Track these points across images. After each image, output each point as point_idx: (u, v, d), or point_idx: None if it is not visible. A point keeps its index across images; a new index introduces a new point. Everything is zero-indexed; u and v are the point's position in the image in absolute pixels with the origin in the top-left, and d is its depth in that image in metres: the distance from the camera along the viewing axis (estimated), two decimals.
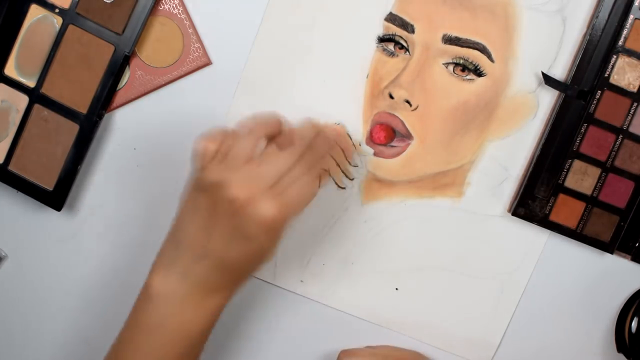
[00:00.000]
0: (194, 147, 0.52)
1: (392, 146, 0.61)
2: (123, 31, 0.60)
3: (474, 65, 0.59)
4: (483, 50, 0.58)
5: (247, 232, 0.50)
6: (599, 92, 0.58)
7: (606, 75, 0.58)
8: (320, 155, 0.53)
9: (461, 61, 0.59)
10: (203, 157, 0.52)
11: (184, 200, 0.53)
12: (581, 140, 0.59)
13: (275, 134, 0.53)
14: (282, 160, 0.51)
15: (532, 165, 0.60)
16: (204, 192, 0.51)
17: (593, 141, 0.59)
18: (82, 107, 0.61)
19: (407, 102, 0.59)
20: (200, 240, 0.51)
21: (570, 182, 0.60)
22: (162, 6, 0.61)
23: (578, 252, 0.62)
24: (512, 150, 0.61)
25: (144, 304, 0.53)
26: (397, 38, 0.60)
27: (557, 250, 0.62)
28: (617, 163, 0.59)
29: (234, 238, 0.50)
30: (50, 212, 0.63)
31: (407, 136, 0.60)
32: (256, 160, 0.51)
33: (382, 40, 0.60)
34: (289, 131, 0.53)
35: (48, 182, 0.62)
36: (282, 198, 0.50)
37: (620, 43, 0.58)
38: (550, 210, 0.60)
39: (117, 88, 0.62)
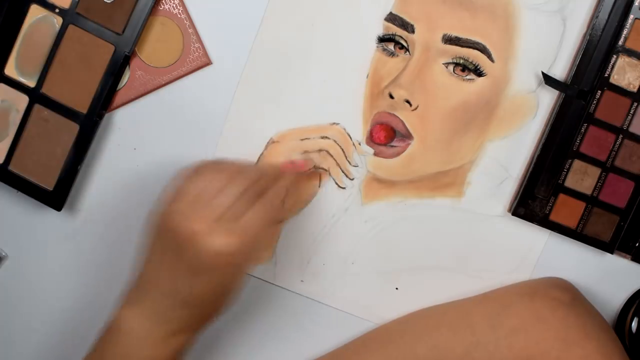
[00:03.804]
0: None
1: (392, 146, 0.61)
2: (123, 31, 0.60)
3: (474, 65, 0.59)
4: (483, 50, 0.58)
5: (202, 266, 0.50)
6: (599, 92, 0.58)
7: (606, 75, 0.58)
8: (269, 185, 0.54)
9: (461, 61, 0.59)
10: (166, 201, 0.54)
11: (148, 239, 0.54)
12: (581, 140, 0.59)
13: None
14: (227, 191, 0.52)
15: (532, 165, 0.60)
16: (159, 230, 0.53)
17: (593, 141, 0.59)
18: (82, 107, 0.61)
19: (407, 102, 0.59)
20: (160, 279, 0.52)
21: (570, 182, 0.60)
22: (162, 6, 0.61)
23: (578, 252, 0.62)
24: (512, 150, 0.61)
25: (110, 336, 0.54)
26: (397, 38, 0.60)
27: (557, 250, 0.62)
28: (617, 163, 0.59)
29: (191, 274, 0.51)
30: (50, 212, 0.63)
31: (407, 136, 0.60)
32: (206, 196, 0.52)
33: (382, 40, 0.60)
34: (236, 167, 0.54)
35: (48, 182, 0.62)
36: (234, 229, 0.51)
37: (620, 43, 0.58)
38: (550, 210, 0.60)
39: (117, 88, 0.62)
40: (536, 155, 0.60)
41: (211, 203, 0.51)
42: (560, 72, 0.60)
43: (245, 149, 0.62)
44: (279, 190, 0.55)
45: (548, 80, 0.59)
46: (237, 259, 0.51)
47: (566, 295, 0.58)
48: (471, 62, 0.59)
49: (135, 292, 0.54)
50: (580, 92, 0.58)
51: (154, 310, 0.52)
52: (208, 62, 0.62)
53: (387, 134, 0.60)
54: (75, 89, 0.61)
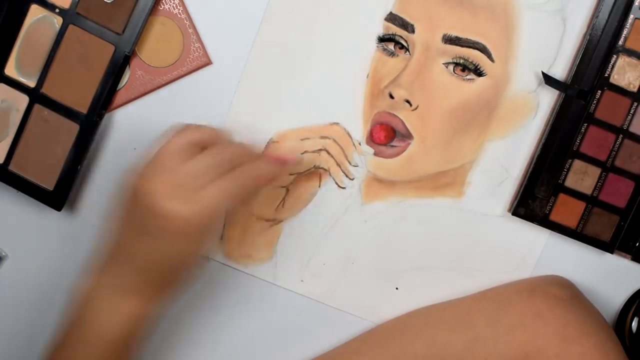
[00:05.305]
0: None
1: (392, 146, 0.61)
2: (123, 31, 0.60)
3: (474, 65, 0.59)
4: (483, 50, 0.58)
5: (150, 226, 0.50)
6: (599, 91, 0.58)
7: (606, 75, 0.58)
8: (237, 163, 0.53)
9: (461, 61, 0.59)
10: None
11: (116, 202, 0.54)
12: (581, 140, 0.59)
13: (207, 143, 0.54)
14: (197, 160, 0.51)
15: (532, 165, 0.60)
16: (125, 190, 0.52)
17: (593, 141, 0.59)
18: (82, 107, 0.61)
19: (407, 101, 0.60)
20: (116, 237, 0.52)
21: (571, 181, 0.60)
22: (162, 6, 0.61)
23: (578, 252, 0.62)
24: (512, 150, 0.61)
25: (74, 306, 0.54)
26: (397, 38, 0.60)
27: (557, 250, 0.62)
28: (617, 163, 0.59)
29: (140, 232, 0.51)
30: (50, 212, 0.63)
31: (407, 136, 0.60)
32: (175, 160, 0.51)
33: (382, 40, 0.60)
34: (215, 138, 0.54)
35: (48, 182, 0.62)
36: (191, 197, 0.50)
37: (620, 43, 0.58)
38: (551, 210, 0.60)
39: (117, 88, 0.62)
40: (536, 155, 0.60)
41: (177, 168, 0.51)
42: (560, 72, 0.60)
43: None
44: (254, 170, 0.54)
45: (548, 80, 0.59)
46: (188, 229, 0.50)
47: (565, 292, 0.58)
48: (471, 62, 0.59)
49: (95, 258, 0.54)
50: (580, 92, 0.58)
51: (104, 271, 0.53)
52: (208, 62, 0.62)
53: (387, 134, 0.60)
54: (75, 89, 0.61)
